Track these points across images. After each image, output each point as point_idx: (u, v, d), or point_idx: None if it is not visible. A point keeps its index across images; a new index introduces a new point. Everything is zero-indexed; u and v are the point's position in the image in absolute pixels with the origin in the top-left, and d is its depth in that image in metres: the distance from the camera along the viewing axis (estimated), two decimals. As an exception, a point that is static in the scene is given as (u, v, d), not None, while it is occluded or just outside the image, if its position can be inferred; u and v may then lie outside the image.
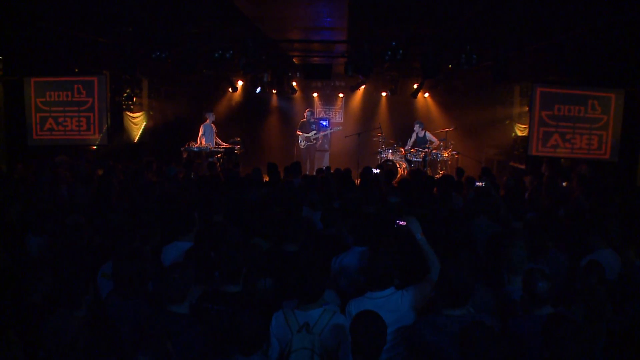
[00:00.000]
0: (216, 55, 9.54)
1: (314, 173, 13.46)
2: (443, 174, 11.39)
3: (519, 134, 14.63)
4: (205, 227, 4.93)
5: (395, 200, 6.43)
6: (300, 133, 14.32)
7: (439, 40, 8.71)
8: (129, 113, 14.68)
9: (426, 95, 16.24)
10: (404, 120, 16.05)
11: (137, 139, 15.10)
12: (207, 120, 13.30)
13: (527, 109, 14.05)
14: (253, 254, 3.90)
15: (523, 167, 12.92)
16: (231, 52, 9.52)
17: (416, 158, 12.59)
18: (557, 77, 11.94)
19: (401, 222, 3.99)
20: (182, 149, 12.92)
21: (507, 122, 15.37)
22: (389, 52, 8.40)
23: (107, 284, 3.92)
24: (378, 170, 9.95)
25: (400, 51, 8.38)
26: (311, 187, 7.62)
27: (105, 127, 11.24)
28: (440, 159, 12.73)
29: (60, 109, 11.14)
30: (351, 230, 4.67)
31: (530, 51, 10.25)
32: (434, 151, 12.67)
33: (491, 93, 15.67)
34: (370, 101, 16.97)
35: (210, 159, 12.46)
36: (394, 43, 8.33)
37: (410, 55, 8.98)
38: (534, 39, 9.67)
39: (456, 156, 13.06)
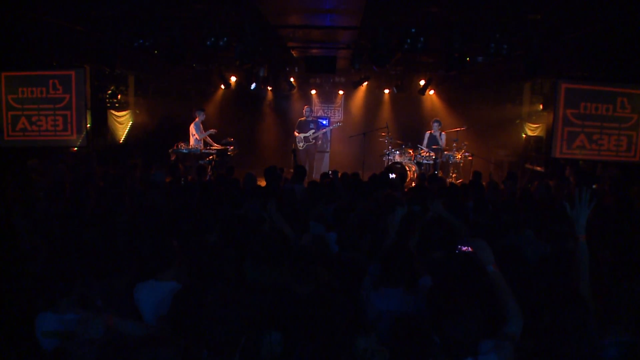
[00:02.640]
0: (208, 42, 8.37)
1: (314, 177, 12.47)
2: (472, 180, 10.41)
3: (530, 133, 13.77)
4: (198, 252, 3.77)
5: (417, 209, 5.49)
6: (297, 134, 13.23)
7: (466, 27, 7.65)
8: (113, 112, 13.59)
9: (431, 92, 15.23)
10: (409, 119, 15.13)
11: (122, 139, 14.01)
12: (197, 119, 12.21)
13: (542, 107, 13.24)
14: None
15: (541, 169, 12.01)
16: (225, 39, 8.36)
17: (427, 160, 11.55)
18: (581, 72, 11.01)
19: (464, 248, 2.93)
20: (169, 151, 11.83)
21: (517, 121, 14.49)
22: (409, 40, 7.34)
23: (52, 343, 2.83)
24: (394, 175, 8.87)
25: (422, 39, 7.33)
26: (318, 196, 6.53)
27: (84, 127, 10.13)
28: (453, 161, 11.70)
29: (34, 106, 10.02)
30: (379, 268, 3.54)
31: (552, 44, 9.35)
32: (445, 152, 11.68)
33: (499, 91, 14.86)
34: (373, 99, 16.02)
35: (200, 162, 11.36)
36: (413, 30, 7.29)
37: (431, 44, 7.93)
38: (559, 30, 8.76)
39: (469, 158, 12.07)
